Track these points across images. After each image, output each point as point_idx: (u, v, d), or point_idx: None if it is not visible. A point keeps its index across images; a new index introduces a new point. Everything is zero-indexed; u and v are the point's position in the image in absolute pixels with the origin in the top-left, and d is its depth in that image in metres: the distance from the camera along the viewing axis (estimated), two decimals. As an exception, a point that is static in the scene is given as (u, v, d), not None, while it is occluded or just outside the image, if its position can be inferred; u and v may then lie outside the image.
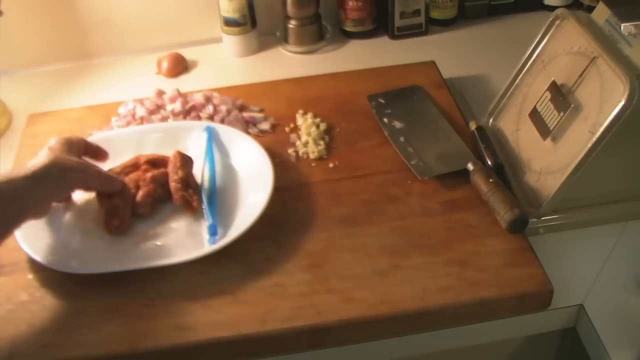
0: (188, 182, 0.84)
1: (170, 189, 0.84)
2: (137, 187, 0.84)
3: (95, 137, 0.94)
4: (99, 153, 0.88)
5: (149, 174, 0.85)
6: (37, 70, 1.16)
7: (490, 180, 0.83)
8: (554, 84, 0.85)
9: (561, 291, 0.76)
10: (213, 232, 0.80)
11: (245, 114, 1.00)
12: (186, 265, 0.77)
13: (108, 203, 0.82)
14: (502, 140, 0.92)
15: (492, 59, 1.12)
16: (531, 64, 0.91)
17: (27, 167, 0.75)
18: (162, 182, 0.85)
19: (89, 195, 0.86)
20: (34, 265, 0.79)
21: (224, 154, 0.92)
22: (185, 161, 0.86)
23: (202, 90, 1.03)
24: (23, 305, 0.76)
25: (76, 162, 0.79)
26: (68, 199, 0.85)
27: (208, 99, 1.01)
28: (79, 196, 0.87)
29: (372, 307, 0.74)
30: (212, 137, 0.93)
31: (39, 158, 0.76)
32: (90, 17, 1.16)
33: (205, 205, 0.84)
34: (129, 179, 0.84)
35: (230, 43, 1.17)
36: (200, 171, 0.89)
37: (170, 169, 0.85)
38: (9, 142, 1.01)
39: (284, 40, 1.19)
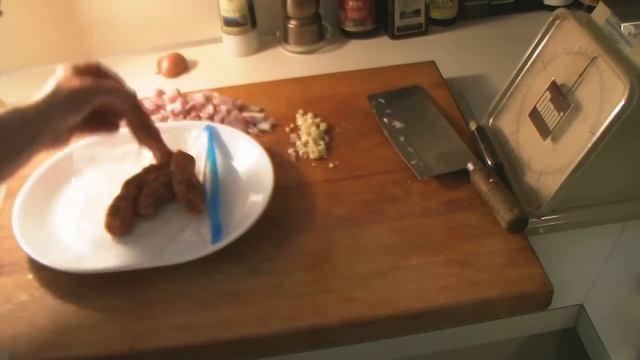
0: (191, 182, 0.84)
1: (173, 189, 0.84)
2: (140, 188, 0.84)
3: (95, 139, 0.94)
4: (111, 76, 0.82)
5: (151, 175, 0.85)
6: (37, 70, 1.15)
7: (490, 180, 0.83)
8: (554, 84, 0.85)
9: (561, 291, 0.76)
10: (217, 231, 0.80)
11: (245, 114, 1.00)
12: (186, 265, 0.77)
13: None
14: (502, 140, 0.92)
15: (492, 59, 1.12)
16: (531, 64, 0.91)
17: (34, 97, 0.73)
18: (165, 182, 0.84)
19: (89, 195, 0.86)
20: (34, 265, 0.79)
21: (224, 154, 0.92)
22: (188, 161, 0.86)
23: (202, 90, 1.03)
24: (23, 305, 0.76)
25: (81, 81, 0.76)
26: (98, 126, 0.81)
27: (208, 99, 1.01)
28: (80, 196, 0.87)
29: (372, 307, 0.74)
30: (213, 137, 0.93)
31: (45, 87, 0.75)
32: (90, 17, 1.16)
33: (208, 205, 0.84)
34: (131, 180, 0.84)
35: (230, 43, 1.17)
36: (201, 170, 0.89)
37: (173, 169, 0.85)
38: (9, 142, 1.01)
39: (284, 40, 1.19)
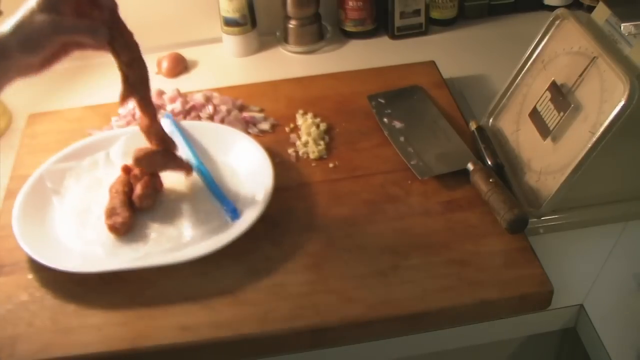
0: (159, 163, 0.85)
1: (159, 176, 0.86)
2: (128, 185, 0.84)
3: (95, 138, 0.94)
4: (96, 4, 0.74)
5: (136, 170, 0.85)
6: (37, 70, 1.16)
7: (490, 180, 0.83)
8: (554, 84, 0.85)
9: (561, 291, 0.76)
10: (232, 209, 0.82)
11: (245, 114, 1.00)
12: (186, 265, 0.77)
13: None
14: (502, 140, 0.92)
15: (492, 59, 1.12)
16: (531, 64, 0.91)
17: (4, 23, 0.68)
18: (152, 172, 0.85)
19: (90, 195, 0.86)
20: (34, 265, 0.79)
21: (224, 154, 0.92)
22: (146, 154, 0.84)
23: (202, 90, 1.03)
24: (23, 305, 0.76)
25: (43, 18, 0.68)
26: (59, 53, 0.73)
27: (208, 99, 1.01)
28: (79, 196, 0.87)
29: (372, 307, 0.74)
30: (175, 124, 0.94)
31: (11, 19, 0.68)
32: (90, 17, 1.15)
33: (210, 191, 0.85)
34: (118, 182, 0.85)
35: (230, 43, 1.17)
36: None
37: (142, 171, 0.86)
38: (9, 142, 1.01)
39: (284, 40, 1.19)
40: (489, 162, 0.87)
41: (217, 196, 0.85)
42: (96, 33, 0.72)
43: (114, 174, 0.87)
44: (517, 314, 0.79)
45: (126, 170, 0.86)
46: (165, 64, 1.13)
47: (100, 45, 0.74)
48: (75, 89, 1.12)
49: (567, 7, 1.19)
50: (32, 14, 0.69)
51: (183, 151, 0.91)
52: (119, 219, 0.81)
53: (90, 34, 0.72)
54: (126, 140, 0.91)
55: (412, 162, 0.90)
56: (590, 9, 0.97)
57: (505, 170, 0.87)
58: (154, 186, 0.85)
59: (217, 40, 1.19)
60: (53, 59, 0.73)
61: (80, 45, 0.73)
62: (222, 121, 0.98)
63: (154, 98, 1.03)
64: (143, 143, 0.84)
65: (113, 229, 0.81)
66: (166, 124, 0.94)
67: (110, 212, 0.82)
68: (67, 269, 0.77)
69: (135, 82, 0.78)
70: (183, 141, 0.92)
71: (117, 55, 0.76)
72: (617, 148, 0.77)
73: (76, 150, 0.92)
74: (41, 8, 0.69)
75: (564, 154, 0.80)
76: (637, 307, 0.78)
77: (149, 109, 0.80)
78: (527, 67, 0.92)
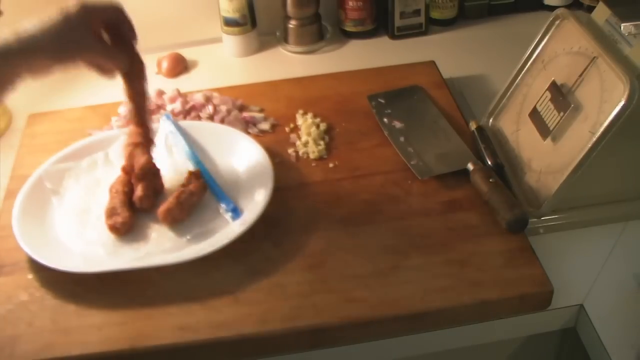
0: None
1: (160, 177, 0.86)
2: (130, 185, 0.84)
3: (95, 138, 0.94)
4: (125, 29, 0.80)
5: (139, 169, 0.85)
6: (37, 70, 1.16)
7: (490, 180, 0.83)
8: (554, 84, 0.85)
9: (561, 291, 0.76)
10: (233, 209, 0.82)
11: (245, 114, 1.00)
12: (186, 265, 0.77)
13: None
14: (502, 140, 0.92)
15: (492, 59, 1.12)
16: (531, 64, 0.91)
17: (24, 25, 0.71)
18: (154, 172, 0.85)
19: (89, 195, 0.86)
20: (34, 265, 0.79)
21: (224, 154, 0.92)
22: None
23: (202, 90, 1.03)
24: (23, 305, 0.76)
25: (79, 38, 0.73)
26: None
27: (208, 99, 1.01)
28: (78, 196, 0.87)
29: (372, 307, 0.74)
30: (176, 124, 0.94)
31: (44, 21, 0.72)
32: (90, 17, 1.15)
33: (211, 191, 0.86)
34: (118, 182, 0.85)
35: (230, 43, 1.17)
36: (189, 163, 0.90)
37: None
38: (9, 142, 1.01)
39: (284, 40, 1.19)
40: (489, 162, 0.87)
41: (217, 196, 0.85)
42: (119, 60, 0.78)
43: (114, 174, 0.87)
44: (517, 314, 0.79)
45: (126, 170, 0.86)
46: (165, 64, 1.13)
47: (117, 70, 0.79)
48: (75, 89, 1.12)
49: (567, 7, 1.19)
50: (67, 22, 0.72)
51: (182, 151, 0.92)
52: (119, 219, 0.81)
53: (114, 60, 0.78)
54: None
55: (412, 162, 0.90)
56: (590, 9, 0.97)
57: (505, 170, 0.87)
58: (155, 187, 0.85)
59: (217, 40, 1.19)
60: (64, 67, 0.75)
61: (96, 65, 0.77)
62: (222, 121, 0.98)
63: (154, 98, 1.03)
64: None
65: (113, 229, 0.81)
66: (166, 125, 0.94)
67: (111, 212, 0.82)
68: (67, 269, 0.77)
69: (139, 109, 0.84)
70: (183, 141, 0.92)
71: (128, 83, 0.82)
72: (617, 148, 0.77)
73: (75, 150, 0.92)
74: (77, 20, 0.73)
75: (564, 154, 0.80)
76: (637, 307, 0.78)
77: (146, 134, 0.85)
78: (527, 67, 0.92)
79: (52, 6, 0.73)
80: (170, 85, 1.06)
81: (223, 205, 0.84)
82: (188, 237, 0.81)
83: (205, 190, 0.85)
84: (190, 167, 0.89)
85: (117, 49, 0.79)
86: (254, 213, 0.81)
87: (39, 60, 0.72)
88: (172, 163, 0.91)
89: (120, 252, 0.80)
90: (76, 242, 0.81)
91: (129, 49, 0.81)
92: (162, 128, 0.94)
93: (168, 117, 0.95)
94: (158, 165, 0.86)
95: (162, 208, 0.82)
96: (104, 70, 0.79)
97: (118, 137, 0.92)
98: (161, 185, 0.87)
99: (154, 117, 0.99)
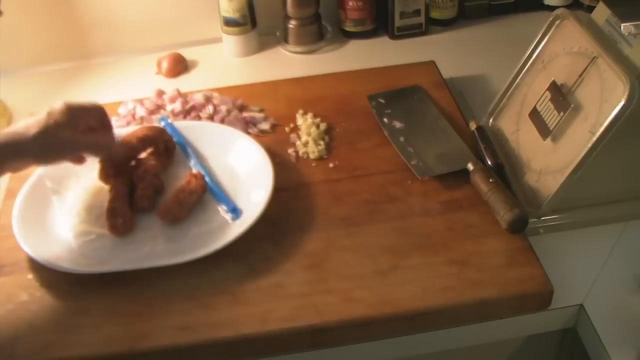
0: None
1: (161, 178, 0.87)
2: (131, 185, 0.84)
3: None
4: (104, 128, 0.84)
5: (141, 169, 0.85)
6: (37, 70, 1.16)
7: (490, 180, 0.83)
8: (554, 84, 0.85)
9: (561, 291, 0.76)
10: (233, 209, 0.82)
11: (245, 114, 1.00)
12: (186, 265, 0.77)
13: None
14: (502, 140, 0.92)
15: (492, 59, 1.12)
16: (531, 64, 0.91)
17: (13, 128, 0.75)
18: (154, 172, 0.86)
19: (89, 195, 0.86)
20: (34, 265, 0.79)
21: (224, 154, 0.92)
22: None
23: (202, 90, 1.03)
24: (23, 305, 0.76)
25: (64, 139, 0.76)
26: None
27: (208, 99, 1.01)
28: (79, 195, 0.87)
29: (372, 307, 0.74)
30: (173, 128, 0.94)
31: (31, 123, 0.75)
32: (90, 17, 1.16)
33: (211, 192, 0.86)
34: (119, 182, 0.85)
35: (230, 43, 1.17)
36: (188, 164, 0.90)
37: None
38: (9, 142, 1.01)
39: (284, 40, 1.19)
40: (489, 162, 0.87)
41: (217, 196, 0.85)
42: (109, 150, 0.83)
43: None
44: (517, 314, 0.79)
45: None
46: (165, 64, 1.13)
47: (111, 160, 0.84)
48: (75, 89, 1.12)
49: (567, 7, 1.19)
50: (57, 126, 0.76)
51: (182, 152, 0.92)
52: (119, 220, 0.81)
53: (102, 151, 0.82)
54: None
55: (412, 162, 0.90)
56: (590, 9, 0.97)
57: (505, 170, 0.87)
58: (155, 187, 0.85)
59: (217, 40, 1.19)
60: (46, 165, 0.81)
61: (78, 158, 0.82)
62: (222, 121, 0.98)
63: (154, 98, 1.03)
64: None
65: (113, 229, 0.81)
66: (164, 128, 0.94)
67: (111, 213, 0.82)
68: (67, 269, 0.77)
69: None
70: (183, 142, 0.92)
71: (105, 167, 0.85)
72: (617, 148, 0.77)
73: None
74: (63, 123, 0.76)
75: (564, 154, 0.80)
76: (637, 307, 0.78)
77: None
78: (527, 67, 0.92)
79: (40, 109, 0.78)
80: (170, 85, 1.06)
81: (223, 206, 0.84)
82: (188, 237, 0.81)
83: (204, 190, 0.86)
84: (190, 167, 0.89)
85: (99, 141, 0.82)
86: (254, 213, 0.81)
87: (23, 161, 0.76)
88: (172, 163, 0.91)
89: (120, 252, 0.80)
90: (76, 242, 0.81)
91: (112, 135, 0.84)
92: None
93: (164, 120, 0.95)
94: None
95: (161, 207, 0.82)
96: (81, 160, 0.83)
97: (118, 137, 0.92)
98: (161, 185, 0.87)
99: (153, 117, 0.99)
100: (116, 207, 0.82)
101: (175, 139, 0.93)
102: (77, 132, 0.78)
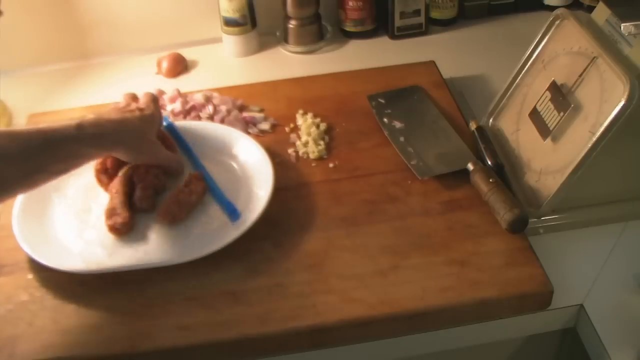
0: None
1: (161, 177, 0.87)
2: (131, 185, 0.84)
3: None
4: (169, 142, 0.89)
5: (141, 168, 0.85)
6: (37, 70, 1.16)
7: (490, 180, 0.83)
8: (554, 84, 0.85)
9: (561, 291, 0.76)
10: (232, 210, 0.82)
11: (245, 114, 1.00)
12: (186, 265, 0.77)
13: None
14: (502, 140, 0.92)
15: (492, 59, 1.12)
16: (531, 64, 0.91)
17: (114, 118, 0.79)
18: (156, 173, 0.85)
19: (91, 194, 0.86)
20: (34, 265, 0.79)
21: (224, 154, 0.92)
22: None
23: (202, 90, 1.03)
24: (23, 305, 0.76)
25: (154, 142, 0.84)
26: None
27: (208, 99, 1.01)
28: (80, 194, 0.87)
29: (372, 307, 0.74)
30: (175, 128, 0.94)
31: (128, 117, 0.80)
32: (90, 17, 1.16)
33: (211, 193, 0.86)
34: (119, 182, 0.84)
35: (230, 43, 1.17)
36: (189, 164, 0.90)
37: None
38: (9, 142, 1.01)
39: (284, 40, 1.19)
40: (489, 162, 0.87)
41: (217, 197, 0.85)
42: (178, 166, 0.88)
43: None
44: (517, 314, 0.79)
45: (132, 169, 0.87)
46: (165, 64, 1.13)
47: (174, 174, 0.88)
48: (75, 89, 1.12)
49: (567, 7, 1.19)
50: (142, 133, 0.82)
51: (182, 153, 0.92)
52: (119, 220, 0.81)
53: (175, 167, 0.87)
54: None
55: (412, 162, 0.90)
56: (590, 9, 0.97)
57: (505, 170, 0.87)
58: (155, 187, 0.85)
59: (217, 40, 1.19)
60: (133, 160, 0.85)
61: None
62: (222, 121, 0.98)
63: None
64: None
65: (113, 229, 0.81)
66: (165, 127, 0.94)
67: (111, 213, 0.82)
68: (67, 269, 0.77)
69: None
70: (184, 142, 0.92)
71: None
72: (617, 148, 0.77)
73: None
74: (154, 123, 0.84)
75: (564, 154, 0.80)
76: (637, 307, 0.78)
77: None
78: (527, 67, 0.92)
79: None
80: (170, 85, 1.06)
81: (222, 207, 0.84)
82: (187, 238, 0.81)
83: (205, 191, 0.85)
84: (191, 168, 0.89)
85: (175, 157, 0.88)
86: (254, 213, 0.81)
87: (118, 154, 0.82)
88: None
89: (120, 252, 0.80)
90: (76, 242, 0.81)
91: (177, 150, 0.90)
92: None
93: (165, 120, 0.95)
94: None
95: (161, 208, 0.82)
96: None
97: None
98: (162, 185, 0.87)
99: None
100: (115, 207, 0.82)
101: (175, 138, 0.93)
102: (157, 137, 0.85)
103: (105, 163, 0.86)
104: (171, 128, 0.94)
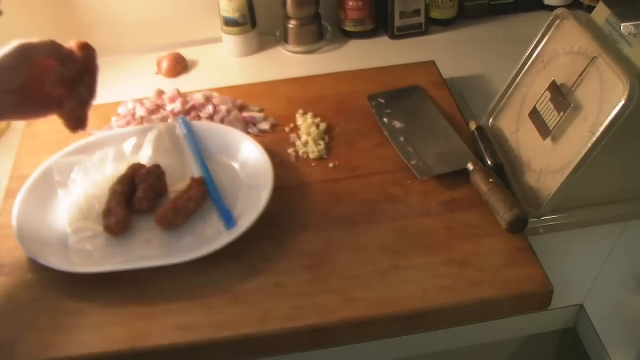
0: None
1: (163, 179, 0.87)
2: (133, 185, 0.84)
3: (95, 137, 0.94)
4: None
5: (144, 170, 0.85)
6: (37, 70, 1.16)
7: (490, 180, 0.83)
8: (554, 84, 0.85)
9: (561, 291, 0.76)
10: (228, 217, 0.82)
11: (245, 114, 1.00)
12: (186, 265, 0.77)
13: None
14: (502, 140, 0.92)
15: (492, 59, 1.12)
16: (531, 64, 0.91)
17: None
18: (157, 175, 0.86)
19: (94, 193, 0.86)
20: (34, 265, 0.79)
21: (224, 154, 0.92)
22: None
23: (202, 90, 1.04)
24: (23, 305, 0.76)
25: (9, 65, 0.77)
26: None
27: (208, 99, 1.01)
28: (85, 192, 0.87)
29: (372, 307, 0.74)
30: (190, 128, 0.94)
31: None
32: (90, 17, 1.16)
33: (210, 197, 0.85)
34: (118, 182, 0.85)
35: (230, 43, 1.17)
36: (192, 165, 0.90)
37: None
38: (9, 142, 1.01)
39: (284, 40, 1.19)
40: (489, 162, 0.87)
41: (216, 203, 0.85)
42: (64, 58, 0.80)
43: (122, 171, 0.87)
44: (517, 314, 0.79)
45: (134, 169, 0.86)
46: (165, 64, 1.13)
47: (67, 74, 0.81)
48: (75, 89, 1.12)
49: (567, 7, 1.19)
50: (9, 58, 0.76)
51: (192, 155, 0.91)
52: (113, 220, 0.81)
53: (55, 56, 0.79)
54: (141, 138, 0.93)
55: (412, 162, 0.90)
56: (590, 9, 0.97)
57: (505, 170, 0.87)
58: (157, 190, 0.85)
59: (217, 40, 1.19)
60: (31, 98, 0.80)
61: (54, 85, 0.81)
62: (222, 121, 0.98)
63: (154, 98, 1.03)
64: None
65: (108, 229, 0.81)
66: (180, 128, 0.94)
67: (107, 213, 0.82)
68: (67, 269, 0.77)
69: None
70: (194, 145, 0.92)
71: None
72: (617, 148, 0.77)
73: (87, 145, 0.93)
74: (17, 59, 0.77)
75: (564, 154, 0.80)
76: (637, 307, 0.78)
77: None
78: (527, 67, 0.92)
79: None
80: (170, 85, 1.06)
81: (220, 214, 0.83)
82: (188, 238, 0.81)
83: (205, 197, 0.85)
84: (197, 172, 0.89)
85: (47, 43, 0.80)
86: (254, 213, 0.81)
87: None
88: (180, 167, 0.90)
89: (120, 252, 0.80)
90: (76, 242, 0.81)
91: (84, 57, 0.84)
92: (177, 130, 0.94)
93: (183, 120, 0.95)
94: (164, 168, 0.87)
95: (158, 213, 0.82)
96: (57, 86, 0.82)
97: (131, 134, 0.93)
98: (164, 188, 0.86)
99: (154, 117, 0.99)
100: (112, 207, 0.82)
101: (189, 138, 0.93)
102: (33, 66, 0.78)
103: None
104: (188, 127, 0.94)
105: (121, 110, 1.02)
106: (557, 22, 0.89)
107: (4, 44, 1.08)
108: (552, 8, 1.12)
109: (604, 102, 0.77)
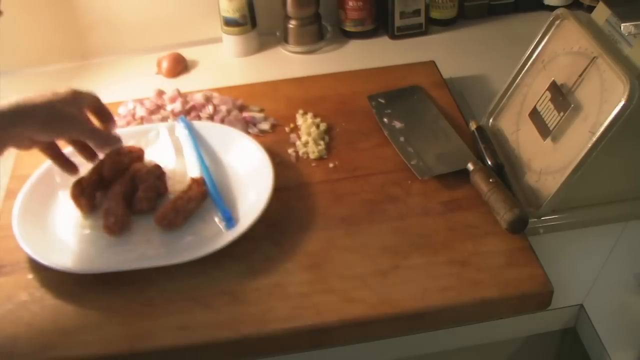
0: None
1: (164, 180, 0.87)
2: (133, 184, 0.84)
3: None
4: (105, 117, 0.85)
5: (144, 169, 0.85)
6: (37, 70, 1.16)
7: (490, 180, 0.83)
8: (554, 84, 0.85)
9: (561, 291, 0.76)
10: (228, 217, 0.81)
11: (245, 114, 1.00)
12: (186, 265, 0.77)
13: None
14: (502, 140, 0.92)
15: (492, 59, 1.12)
16: (531, 64, 0.91)
17: (18, 98, 0.75)
18: (158, 175, 0.86)
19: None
20: (34, 265, 0.79)
21: (224, 154, 0.92)
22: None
23: (202, 90, 1.03)
24: (23, 305, 0.76)
25: (70, 113, 0.78)
26: (52, 145, 0.83)
27: (208, 99, 1.01)
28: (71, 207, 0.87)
29: (372, 307, 0.74)
30: (190, 128, 0.94)
31: (38, 95, 0.76)
32: (90, 17, 1.16)
33: (210, 196, 0.85)
34: (118, 182, 0.84)
35: (230, 43, 1.17)
36: (192, 165, 0.90)
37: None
38: (9, 142, 1.01)
39: (284, 40, 1.19)
40: (489, 162, 0.87)
41: (216, 203, 0.85)
42: (109, 138, 0.83)
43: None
44: (517, 314, 0.79)
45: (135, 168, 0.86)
46: (165, 64, 1.13)
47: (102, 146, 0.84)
48: (75, 89, 1.12)
49: (567, 7, 1.19)
50: (60, 99, 0.77)
51: (192, 155, 0.91)
52: (111, 219, 0.81)
53: (96, 141, 0.82)
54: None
55: (412, 162, 0.90)
56: (590, 9, 0.97)
57: (505, 170, 0.87)
58: (157, 189, 0.85)
59: (217, 40, 1.19)
60: (50, 138, 0.81)
61: (77, 143, 0.84)
62: (222, 121, 0.98)
63: (154, 98, 1.03)
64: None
65: (106, 228, 0.81)
66: (180, 128, 0.94)
67: (106, 213, 0.82)
68: (67, 269, 0.77)
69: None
70: (194, 145, 0.92)
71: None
72: (617, 148, 0.77)
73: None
74: (69, 98, 0.78)
75: (564, 154, 0.80)
76: (637, 307, 0.78)
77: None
78: (527, 67, 0.92)
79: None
80: (170, 85, 1.06)
81: (220, 214, 0.83)
82: (188, 238, 0.81)
83: (204, 198, 0.85)
84: (197, 172, 0.89)
85: (100, 131, 0.83)
86: (254, 213, 0.81)
87: (27, 129, 0.75)
88: (181, 167, 0.90)
89: (120, 252, 0.80)
90: (76, 242, 0.81)
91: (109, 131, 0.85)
92: (177, 131, 0.94)
93: (183, 120, 0.95)
94: (165, 168, 0.87)
95: (158, 213, 0.82)
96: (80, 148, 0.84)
97: (131, 134, 0.93)
98: (165, 188, 0.86)
99: (154, 117, 0.99)
100: (110, 207, 0.82)
101: (190, 138, 0.93)
102: (81, 112, 0.80)
103: (80, 184, 0.84)
104: (188, 127, 0.94)
105: (121, 110, 1.02)
106: (557, 22, 0.89)
107: (4, 44, 1.08)
108: (552, 8, 1.12)
109: (604, 102, 0.77)
